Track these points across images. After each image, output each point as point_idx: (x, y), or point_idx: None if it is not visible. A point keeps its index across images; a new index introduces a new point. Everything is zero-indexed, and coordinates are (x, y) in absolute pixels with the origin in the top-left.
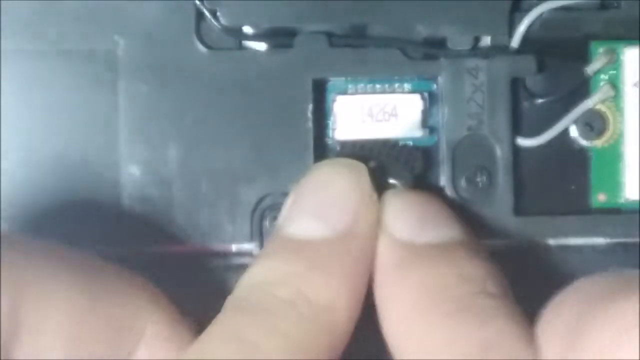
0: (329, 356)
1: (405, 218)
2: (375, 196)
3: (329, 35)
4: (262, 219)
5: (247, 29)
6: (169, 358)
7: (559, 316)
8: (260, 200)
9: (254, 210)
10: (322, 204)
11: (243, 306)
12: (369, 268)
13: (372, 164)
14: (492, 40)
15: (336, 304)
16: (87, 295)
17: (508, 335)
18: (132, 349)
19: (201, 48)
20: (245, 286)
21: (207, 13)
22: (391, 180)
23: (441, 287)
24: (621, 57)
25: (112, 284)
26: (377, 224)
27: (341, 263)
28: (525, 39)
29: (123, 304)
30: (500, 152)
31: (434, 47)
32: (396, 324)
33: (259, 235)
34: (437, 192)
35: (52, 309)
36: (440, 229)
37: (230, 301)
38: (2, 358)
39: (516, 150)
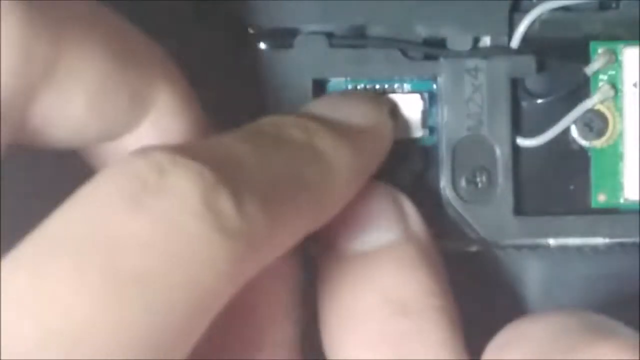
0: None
1: (335, 219)
2: (390, 123)
3: (329, 35)
4: None
5: (248, 29)
6: (173, 133)
7: None
8: None
9: None
10: (341, 104)
11: (251, 133)
12: (374, 162)
13: None
14: (491, 40)
15: (337, 159)
16: (116, 56)
17: None
18: (141, 118)
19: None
20: (259, 123)
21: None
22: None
23: (361, 308)
24: (620, 57)
25: (136, 47)
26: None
27: (351, 138)
28: (525, 39)
29: (142, 69)
30: (500, 152)
31: (434, 48)
32: (325, 338)
33: None
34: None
35: (87, 62)
36: (369, 233)
37: (244, 130)
38: (26, 95)
39: (516, 151)
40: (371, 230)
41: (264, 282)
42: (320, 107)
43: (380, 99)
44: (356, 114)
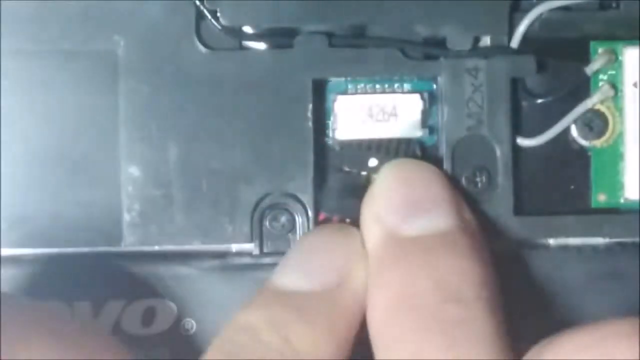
0: None
1: (394, 198)
2: (364, 253)
3: (329, 35)
4: (262, 219)
5: (247, 29)
6: None
7: None
8: (260, 200)
9: (253, 210)
10: (310, 261)
11: (228, 349)
12: (357, 319)
13: (373, 162)
14: (491, 40)
15: (320, 354)
16: None
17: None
18: None
19: (201, 48)
20: (232, 329)
21: (207, 13)
22: None
23: (414, 293)
24: (620, 57)
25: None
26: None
27: (327, 316)
28: (525, 39)
29: None
30: (500, 152)
31: (434, 47)
32: (372, 321)
33: (259, 235)
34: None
35: None
36: (427, 217)
37: (216, 342)
38: None
39: (516, 150)
40: (429, 215)
41: None
42: (288, 273)
43: (345, 230)
44: (324, 269)
